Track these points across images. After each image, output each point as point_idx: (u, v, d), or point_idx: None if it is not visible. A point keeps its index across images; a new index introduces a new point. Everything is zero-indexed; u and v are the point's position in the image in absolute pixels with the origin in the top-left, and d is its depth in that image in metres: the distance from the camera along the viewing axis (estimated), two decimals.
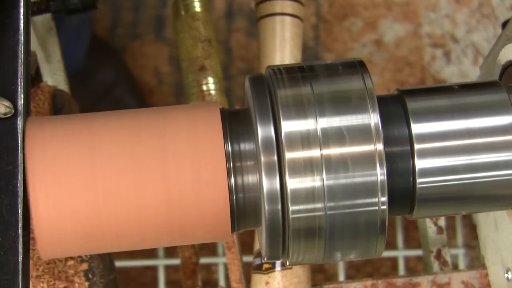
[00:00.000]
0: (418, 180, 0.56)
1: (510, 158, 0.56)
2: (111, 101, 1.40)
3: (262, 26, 0.82)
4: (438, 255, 0.83)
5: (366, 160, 0.53)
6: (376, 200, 0.54)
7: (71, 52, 1.31)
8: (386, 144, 0.55)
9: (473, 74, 1.49)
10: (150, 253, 1.18)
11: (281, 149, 0.53)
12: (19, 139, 0.55)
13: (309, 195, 0.53)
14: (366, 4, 1.54)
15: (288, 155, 0.53)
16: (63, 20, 1.18)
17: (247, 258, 0.81)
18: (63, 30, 1.07)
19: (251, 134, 0.55)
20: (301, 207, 0.54)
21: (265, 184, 0.53)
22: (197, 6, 0.80)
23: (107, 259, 0.72)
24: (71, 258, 0.69)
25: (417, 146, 0.56)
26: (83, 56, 1.37)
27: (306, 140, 0.53)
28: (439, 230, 0.84)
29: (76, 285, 0.68)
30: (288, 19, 0.81)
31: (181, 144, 0.55)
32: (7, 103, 0.54)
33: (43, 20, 0.86)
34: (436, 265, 0.83)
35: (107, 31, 1.51)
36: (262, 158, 0.53)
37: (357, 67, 0.57)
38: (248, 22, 1.52)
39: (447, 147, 0.56)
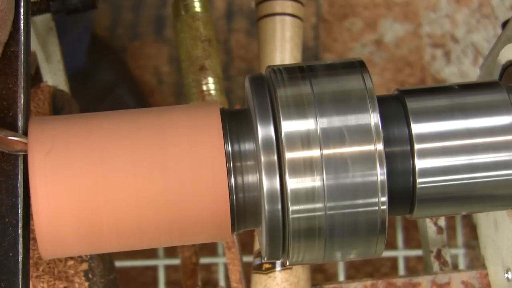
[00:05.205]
0: (418, 180, 0.56)
1: (510, 158, 0.56)
2: (111, 101, 1.40)
3: (262, 26, 0.82)
4: (438, 255, 0.83)
5: (366, 160, 0.53)
6: (376, 200, 0.54)
7: (73, 54, 1.31)
8: (386, 144, 0.55)
9: (473, 74, 1.49)
10: (150, 253, 1.18)
11: (281, 149, 0.53)
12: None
13: (309, 195, 0.53)
14: (366, 4, 1.54)
15: (288, 155, 0.53)
16: (66, 27, 1.18)
17: (247, 258, 0.81)
18: (66, 36, 1.07)
19: (251, 134, 0.55)
20: (301, 207, 0.54)
21: (265, 184, 0.53)
22: (197, 6, 0.80)
23: (107, 259, 0.72)
24: (71, 258, 0.69)
25: (417, 146, 0.56)
26: (84, 57, 1.38)
27: (306, 140, 0.53)
28: (439, 230, 0.84)
29: (76, 285, 0.68)
30: (288, 19, 0.81)
31: (181, 144, 0.55)
32: (26, 140, 0.54)
33: (43, 20, 0.86)
34: (436, 265, 0.83)
35: (107, 31, 1.51)
36: (262, 158, 0.53)
37: (357, 67, 0.56)
38: (248, 22, 1.52)
39: (447, 147, 0.56)
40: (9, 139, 0.54)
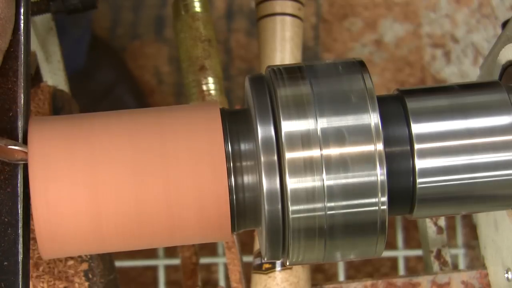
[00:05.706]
0: (418, 180, 0.56)
1: (510, 158, 0.56)
2: (111, 101, 1.40)
3: (262, 26, 0.82)
4: (438, 255, 0.83)
5: (366, 160, 0.53)
6: (376, 200, 0.54)
7: (73, 54, 1.31)
8: (386, 144, 0.55)
9: (473, 74, 1.49)
10: (150, 253, 1.18)
11: (281, 149, 0.53)
12: (20, 139, 0.55)
13: (309, 195, 0.53)
14: (366, 4, 1.54)
15: (288, 155, 0.53)
16: (66, 27, 1.18)
17: (247, 258, 0.81)
18: (65, 36, 1.07)
19: (251, 134, 0.55)
20: (301, 207, 0.54)
21: (265, 184, 0.53)
22: (197, 6, 0.80)
23: (107, 259, 0.72)
24: (71, 258, 0.69)
25: (417, 146, 0.56)
26: (84, 57, 1.38)
27: (306, 140, 0.53)
28: (439, 230, 0.84)
29: (76, 285, 0.68)
30: (288, 19, 0.81)
31: (181, 144, 0.55)
32: (26, 149, 0.54)
33: (43, 20, 0.86)
34: (436, 265, 0.83)
35: (107, 31, 1.51)
36: (262, 158, 0.53)
37: (357, 67, 0.56)
38: (248, 22, 1.52)
39: (447, 147, 0.56)
40: (10, 148, 0.53)
